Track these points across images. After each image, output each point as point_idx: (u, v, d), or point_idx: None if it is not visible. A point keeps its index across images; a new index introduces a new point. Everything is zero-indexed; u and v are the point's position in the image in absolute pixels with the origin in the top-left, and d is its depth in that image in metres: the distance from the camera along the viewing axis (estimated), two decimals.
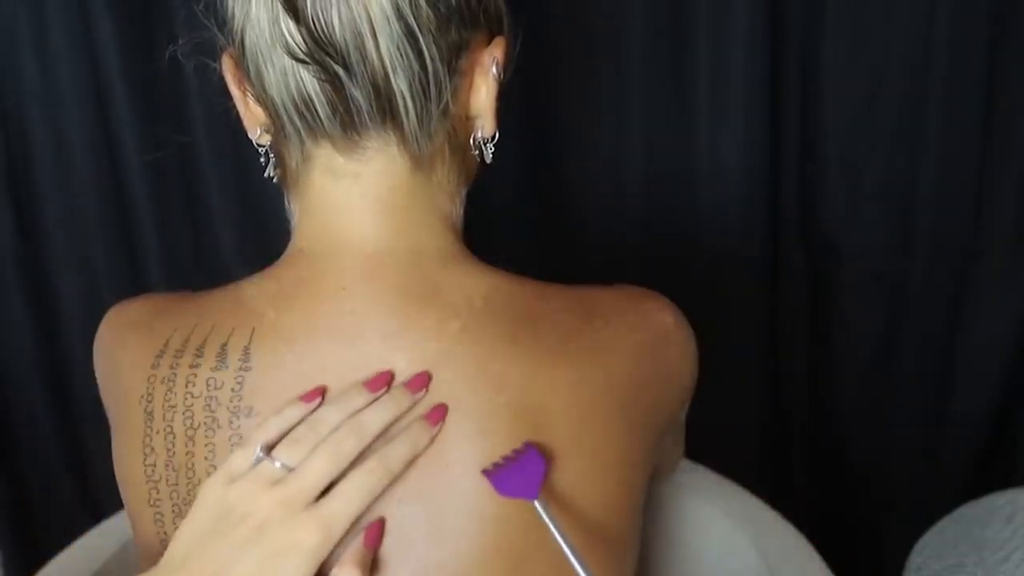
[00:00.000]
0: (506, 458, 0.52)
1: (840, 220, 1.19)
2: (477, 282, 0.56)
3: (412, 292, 0.54)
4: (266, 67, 0.53)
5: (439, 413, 0.52)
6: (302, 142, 0.56)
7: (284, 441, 0.51)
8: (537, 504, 0.51)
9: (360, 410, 0.51)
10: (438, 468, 0.52)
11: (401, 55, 0.52)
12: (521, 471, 0.51)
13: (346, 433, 0.51)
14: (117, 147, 1.15)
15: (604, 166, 1.18)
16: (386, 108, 0.53)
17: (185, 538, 0.51)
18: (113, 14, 1.07)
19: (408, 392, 0.52)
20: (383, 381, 0.52)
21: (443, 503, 0.52)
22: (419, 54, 0.53)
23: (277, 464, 0.50)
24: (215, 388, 0.53)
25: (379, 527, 0.51)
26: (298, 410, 0.52)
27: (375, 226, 0.56)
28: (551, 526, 0.50)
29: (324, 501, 0.50)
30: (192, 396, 0.54)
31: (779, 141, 1.15)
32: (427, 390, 0.52)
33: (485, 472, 0.51)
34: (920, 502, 1.27)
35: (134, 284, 1.21)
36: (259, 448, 0.50)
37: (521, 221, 1.20)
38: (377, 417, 0.51)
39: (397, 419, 0.52)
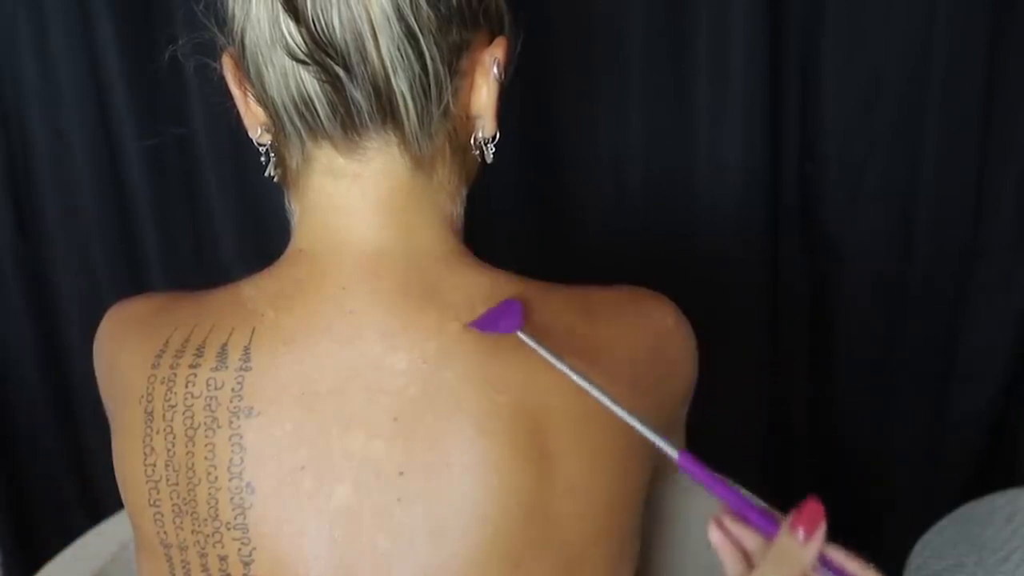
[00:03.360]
0: (488, 310, 0.54)
1: (840, 220, 1.19)
2: (478, 282, 0.56)
3: (412, 292, 0.55)
4: (266, 67, 0.54)
5: None
6: (302, 142, 0.56)
7: None
8: (521, 334, 0.52)
9: None
10: (438, 468, 0.52)
11: (402, 56, 0.52)
12: (501, 313, 0.53)
13: None
14: (117, 147, 1.15)
15: (604, 166, 1.18)
16: (387, 109, 0.54)
17: None
18: (113, 14, 1.07)
19: None
20: None
21: (443, 503, 0.52)
22: (420, 55, 0.53)
23: None
24: (215, 388, 0.53)
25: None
26: None
27: (375, 226, 0.56)
28: (545, 353, 0.51)
29: None
30: (192, 396, 0.54)
31: (779, 141, 1.15)
32: None
33: (469, 324, 0.53)
34: (920, 502, 1.27)
35: (134, 284, 1.21)
36: None
37: (521, 221, 1.20)
38: None
39: None
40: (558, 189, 1.20)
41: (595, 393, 0.51)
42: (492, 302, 0.55)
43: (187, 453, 0.53)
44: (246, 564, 0.53)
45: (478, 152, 0.59)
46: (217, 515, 0.53)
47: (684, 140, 1.15)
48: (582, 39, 1.13)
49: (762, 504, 0.53)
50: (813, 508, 0.52)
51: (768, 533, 0.52)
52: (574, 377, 0.51)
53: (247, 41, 0.54)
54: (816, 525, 0.52)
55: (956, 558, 1.02)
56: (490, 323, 0.53)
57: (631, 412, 0.50)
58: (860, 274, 1.22)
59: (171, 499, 0.54)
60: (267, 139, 0.59)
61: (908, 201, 1.17)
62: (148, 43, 1.08)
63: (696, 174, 1.16)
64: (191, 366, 0.54)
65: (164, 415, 0.54)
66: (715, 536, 0.53)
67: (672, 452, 0.51)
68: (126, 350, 0.58)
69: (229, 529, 0.53)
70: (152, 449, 0.54)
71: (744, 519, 0.53)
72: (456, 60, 0.55)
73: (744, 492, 0.52)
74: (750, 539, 0.53)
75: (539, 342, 0.51)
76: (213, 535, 0.53)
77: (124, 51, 1.09)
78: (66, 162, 1.16)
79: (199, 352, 0.54)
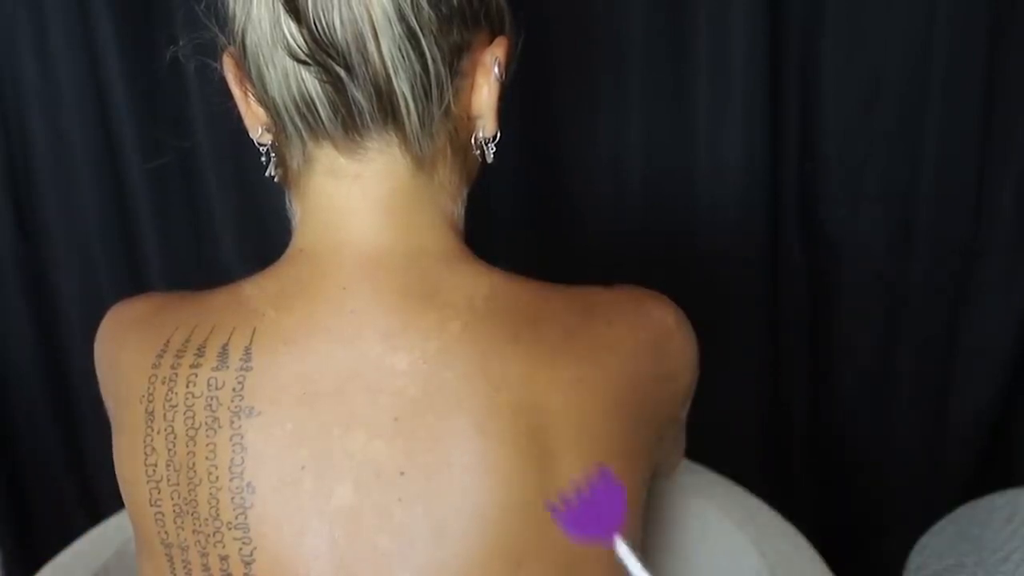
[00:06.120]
0: (578, 491, 0.45)
1: (840, 220, 1.19)
2: (478, 282, 0.56)
3: (413, 292, 0.55)
4: (267, 68, 0.54)
5: None
6: (303, 143, 0.56)
7: None
8: (619, 540, 0.43)
9: None
10: (439, 468, 0.52)
11: (403, 56, 0.52)
12: (597, 504, 0.44)
13: None
14: (117, 147, 1.15)
15: (604, 166, 1.18)
16: (388, 109, 0.54)
17: None
18: (113, 14, 1.07)
19: None
20: None
21: (443, 503, 0.52)
22: (421, 55, 0.53)
23: None
24: (216, 388, 0.53)
25: None
26: None
27: (376, 227, 0.56)
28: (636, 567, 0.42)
29: None
30: (193, 396, 0.54)
31: (779, 141, 1.15)
32: None
33: (553, 511, 0.44)
34: (920, 502, 1.27)
35: (134, 284, 1.21)
36: None
37: (521, 221, 1.20)
38: None
39: None
40: (558, 189, 1.19)
41: None
42: (493, 302, 0.55)
43: (188, 453, 0.53)
44: (247, 564, 0.53)
45: (479, 152, 0.59)
46: (218, 515, 0.53)
47: (684, 140, 1.15)
48: (582, 39, 1.13)
49: None
50: None
51: None
52: None
53: (248, 41, 0.54)
54: None
55: (956, 558, 1.02)
56: (582, 521, 0.44)
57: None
58: (860, 274, 1.22)
59: (172, 499, 0.54)
60: (268, 139, 0.59)
61: (908, 201, 1.17)
62: (148, 43, 1.08)
63: (696, 174, 1.16)
64: (192, 366, 0.54)
65: (165, 415, 0.54)
66: None
67: None
68: (127, 350, 0.58)
69: (230, 529, 0.53)
70: (153, 449, 0.54)
71: None
72: (457, 60, 0.55)
73: None
74: None
75: (633, 552, 0.42)
76: (214, 535, 0.53)
77: (124, 51, 1.09)
78: (66, 162, 1.16)
79: (200, 352, 0.54)
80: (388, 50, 0.52)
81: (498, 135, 0.59)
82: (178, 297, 0.60)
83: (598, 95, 1.15)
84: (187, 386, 0.54)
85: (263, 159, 0.60)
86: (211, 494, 0.53)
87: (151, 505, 0.55)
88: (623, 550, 0.43)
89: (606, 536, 0.43)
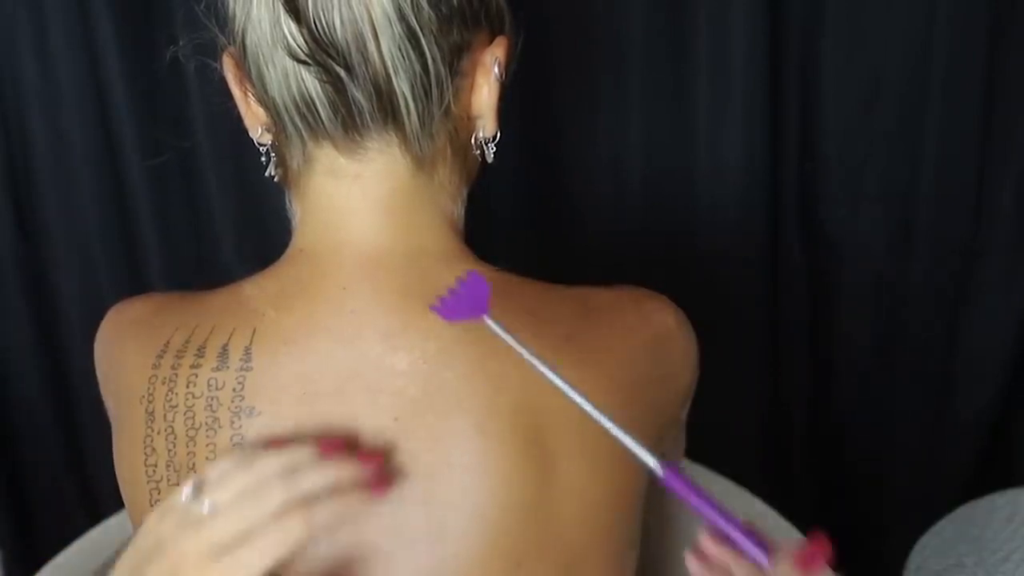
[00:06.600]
0: (449, 289, 0.54)
1: (840, 220, 1.20)
2: None
3: (413, 292, 0.55)
4: (267, 68, 0.53)
5: (384, 483, 0.50)
6: (303, 143, 0.56)
7: (215, 482, 0.47)
8: (488, 319, 0.52)
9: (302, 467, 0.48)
10: (439, 468, 0.52)
11: (403, 56, 0.52)
12: (466, 296, 0.54)
13: (276, 484, 0.47)
14: (117, 147, 1.15)
15: (604, 166, 1.18)
16: (388, 109, 0.53)
17: (121, 568, 0.48)
18: (113, 14, 1.07)
19: (357, 464, 0.49)
20: (336, 447, 0.49)
21: (444, 503, 0.52)
22: (421, 55, 0.53)
23: (204, 506, 0.46)
24: (216, 388, 0.53)
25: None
26: (247, 456, 0.48)
27: (376, 227, 0.56)
28: (509, 339, 0.51)
29: (234, 550, 0.46)
30: (193, 396, 0.54)
31: (779, 141, 1.15)
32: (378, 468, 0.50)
33: (432, 307, 0.53)
34: (920, 502, 1.27)
35: (134, 284, 1.21)
36: (191, 486, 0.47)
37: (521, 221, 1.20)
38: (314, 478, 0.48)
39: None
40: (558, 189, 1.20)
41: (565, 387, 0.51)
42: (493, 303, 0.55)
43: (188, 453, 0.53)
44: None
45: (479, 152, 0.59)
46: None
47: (684, 140, 1.15)
48: (582, 39, 1.13)
49: (753, 528, 0.48)
50: (818, 545, 0.49)
51: (760, 563, 0.47)
52: (542, 368, 0.51)
53: (248, 41, 0.54)
54: (819, 565, 0.48)
55: (956, 558, 1.02)
56: (455, 309, 0.53)
57: (610, 417, 0.50)
58: (860, 274, 1.22)
59: None
60: (268, 139, 0.59)
61: (908, 201, 1.17)
62: (148, 43, 1.08)
63: (696, 174, 1.17)
64: (192, 366, 0.54)
65: (165, 415, 0.54)
66: (693, 566, 0.50)
67: (655, 465, 0.49)
68: (127, 350, 0.58)
69: None
70: (153, 450, 0.54)
71: (733, 544, 0.49)
72: (457, 60, 0.55)
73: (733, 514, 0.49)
74: (740, 568, 0.50)
75: (504, 329, 0.51)
76: None
77: (124, 51, 1.09)
78: (66, 162, 1.16)
79: (200, 352, 0.54)
80: (388, 50, 0.52)
81: (498, 135, 0.59)
82: (178, 297, 0.60)
83: (598, 95, 1.15)
84: (187, 386, 0.54)
85: (263, 159, 0.60)
86: None
87: (151, 505, 0.55)
88: (493, 326, 0.52)
89: (477, 317, 0.53)
